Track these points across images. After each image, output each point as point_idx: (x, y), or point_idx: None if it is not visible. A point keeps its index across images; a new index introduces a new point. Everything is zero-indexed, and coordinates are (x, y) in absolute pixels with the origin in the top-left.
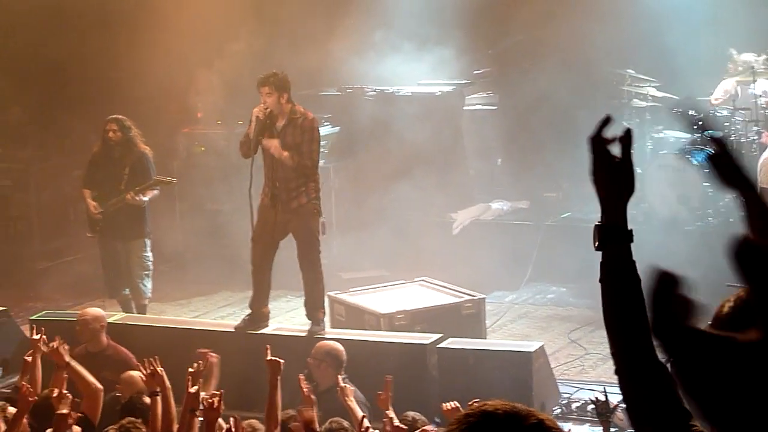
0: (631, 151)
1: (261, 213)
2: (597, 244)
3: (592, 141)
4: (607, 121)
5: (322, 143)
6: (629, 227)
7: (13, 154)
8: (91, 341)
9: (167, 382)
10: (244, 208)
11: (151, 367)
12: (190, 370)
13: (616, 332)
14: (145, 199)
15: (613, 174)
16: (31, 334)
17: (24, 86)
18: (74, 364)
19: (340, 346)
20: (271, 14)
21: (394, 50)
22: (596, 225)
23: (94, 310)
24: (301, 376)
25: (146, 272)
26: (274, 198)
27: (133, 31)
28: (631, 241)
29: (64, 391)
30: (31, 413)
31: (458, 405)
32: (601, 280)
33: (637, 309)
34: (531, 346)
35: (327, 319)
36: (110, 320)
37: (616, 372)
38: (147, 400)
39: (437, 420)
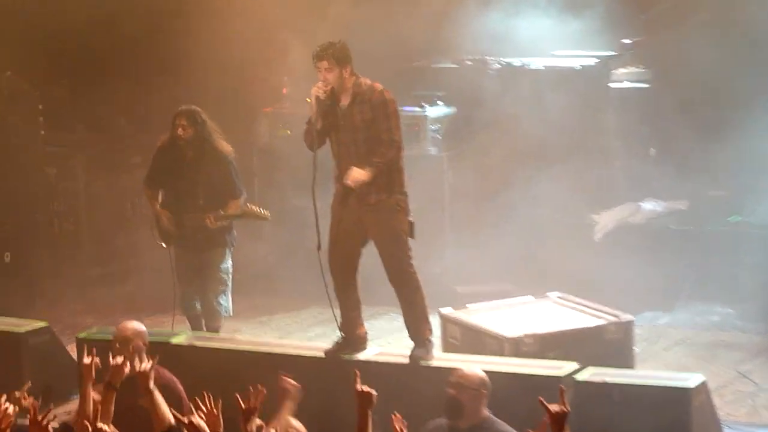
0: None
1: (333, 213)
2: None
3: None
4: None
5: (434, 127)
6: None
7: (60, 135)
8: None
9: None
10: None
11: (189, 417)
12: (242, 405)
13: None
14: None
15: None
16: (80, 357)
17: (73, 56)
18: (157, 393)
19: None
20: None
21: (525, 14)
22: None
23: (135, 325)
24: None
25: (223, 287)
26: (347, 193)
27: None
28: None
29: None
30: None
31: None
32: None
33: None
34: (690, 379)
35: (438, 342)
36: (174, 340)
37: None
38: None
39: None
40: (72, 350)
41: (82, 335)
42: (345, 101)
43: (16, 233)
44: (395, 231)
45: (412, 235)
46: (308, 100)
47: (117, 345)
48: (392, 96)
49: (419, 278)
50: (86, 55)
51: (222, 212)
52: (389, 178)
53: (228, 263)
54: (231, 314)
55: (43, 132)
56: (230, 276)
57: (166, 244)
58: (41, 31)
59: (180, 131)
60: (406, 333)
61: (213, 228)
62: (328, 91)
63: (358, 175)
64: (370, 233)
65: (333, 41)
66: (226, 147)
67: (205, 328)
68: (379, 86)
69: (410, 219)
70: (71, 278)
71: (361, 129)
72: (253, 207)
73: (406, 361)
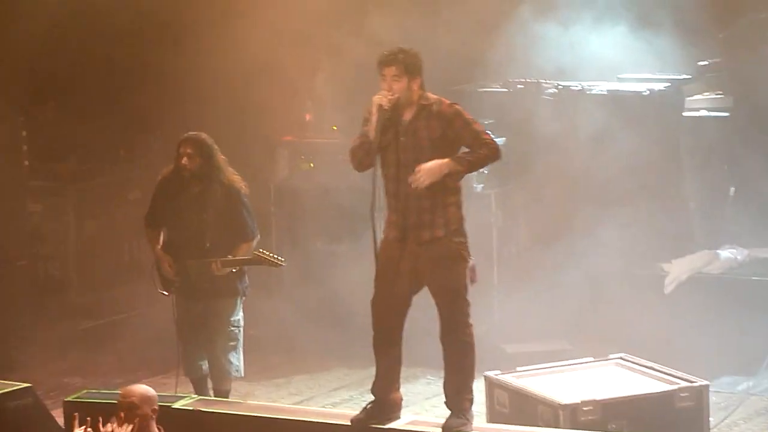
0: None
1: (383, 253)
2: None
3: None
4: None
5: None
6: None
7: (47, 167)
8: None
9: None
10: (368, 249)
11: None
12: None
13: None
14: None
15: None
16: (69, 425)
17: (63, 74)
18: None
19: None
20: None
21: (586, 31)
22: None
23: (143, 389)
24: None
25: (233, 343)
26: (403, 229)
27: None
28: None
29: None
30: None
31: None
32: None
33: None
34: None
35: (482, 410)
36: (176, 405)
37: None
38: None
39: None
40: (58, 416)
41: (70, 398)
42: (408, 116)
43: None
44: (454, 281)
45: (473, 281)
46: (336, 128)
47: (121, 413)
48: (463, 109)
49: (474, 340)
50: (78, 74)
51: (230, 257)
52: (444, 212)
53: (239, 315)
54: (242, 375)
55: (27, 163)
56: (241, 330)
57: (167, 291)
58: (26, 46)
59: (185, 161)
60: (443, 399)
61: (219, 274)
62: (393, 101)
63: (431, 165)
64: (424, 278)
65: (403, 47)
66: (237, 182)
67: (212, 391)
68: (446, 101)
69: (471, 263)
70: (58, 332)
71: (427, 149)
72: (265, 252)
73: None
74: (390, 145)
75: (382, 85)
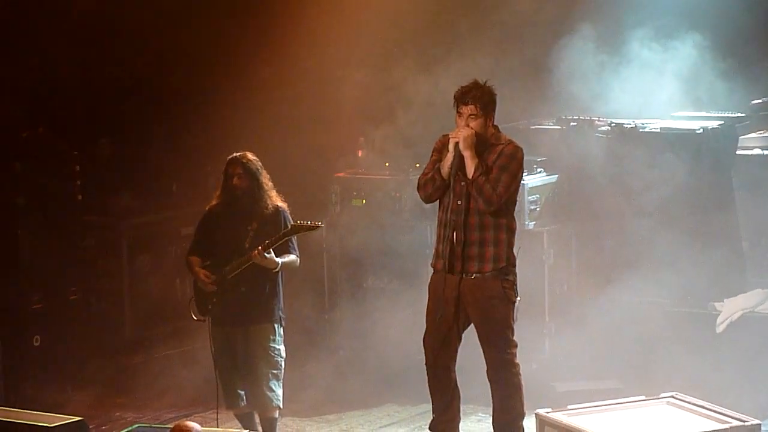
0: None
1: (432, 286)
2: None
3: None
4: None
5: (532, 198)
6: None
7: (100, 202)
8: None
9: None
10: (419, 286)
11: None
12: None
13: None
14: (280, 261)
15: None
16: None
17: (116, 111)
18: None
19: None
20: (474, 20)
21: (640, 68)
22: None
23: (192, 426)
24: None
25: (275, 371)
26: (449, 259)
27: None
28: None
29: None
30: None
31: None
32: None
33: None
34: None
35: None
36: None
37: None
38: None
39: None
40: None
41: None
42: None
43: (47, 314)
44: (498, 322)
45: (514, 320)
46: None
47: None
48: (523, 156)
49: (521, 379)
50: (132, 111)
51: (268, 241)
52: (495, 248)
53: (280, 345)
54: (280, 405)
55: (80, 197)
56: (283, 360)
57: (203, 316)
58: (80, 83)
59: (236, 180)
60: None
61: (262, 263)
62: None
63: (470, 138)
64: (470, 315)
65: (479, 82)
66: (280, 201)
67: (260, 426)
68: (515, 143)
69: (516, 303)
70: (110, 366)
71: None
72: (300, 221)
73: None
74: (457, 180)
75: (459, 122)
